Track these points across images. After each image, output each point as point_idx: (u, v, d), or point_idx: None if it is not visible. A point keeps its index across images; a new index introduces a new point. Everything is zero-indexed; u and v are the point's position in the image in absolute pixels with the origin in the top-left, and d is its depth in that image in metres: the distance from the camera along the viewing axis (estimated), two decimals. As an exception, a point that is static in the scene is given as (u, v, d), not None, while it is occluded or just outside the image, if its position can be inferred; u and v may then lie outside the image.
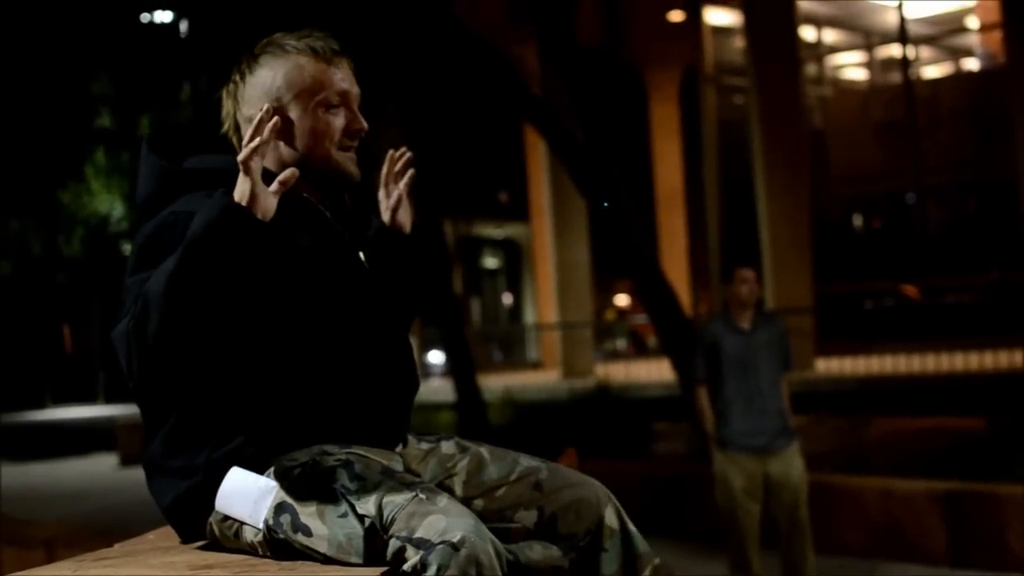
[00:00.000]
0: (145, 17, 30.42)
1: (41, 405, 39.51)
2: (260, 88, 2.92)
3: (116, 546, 2.98)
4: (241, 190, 2.60)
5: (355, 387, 2.85)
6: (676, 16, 25.22)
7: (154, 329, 2.53)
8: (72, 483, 19.36)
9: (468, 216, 35.96)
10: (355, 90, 2.99)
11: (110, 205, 30.97)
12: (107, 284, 36.95)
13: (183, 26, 28.94)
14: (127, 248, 30.80)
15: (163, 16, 30.00)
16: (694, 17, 23.65)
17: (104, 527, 12.35)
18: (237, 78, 2.98)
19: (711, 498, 8.04)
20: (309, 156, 2.92)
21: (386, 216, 3.29)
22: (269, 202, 2.63)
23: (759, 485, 7.72)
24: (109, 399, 38.95)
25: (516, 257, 39.91)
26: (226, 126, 3.02)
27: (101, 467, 21.72)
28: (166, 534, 3.06)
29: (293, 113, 2.91)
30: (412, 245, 3.30)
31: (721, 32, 24.23)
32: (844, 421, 12.63)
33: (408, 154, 3.30)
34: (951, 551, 9.62)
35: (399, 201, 3.29)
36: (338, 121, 2.94)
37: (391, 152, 3.31)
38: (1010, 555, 9.28)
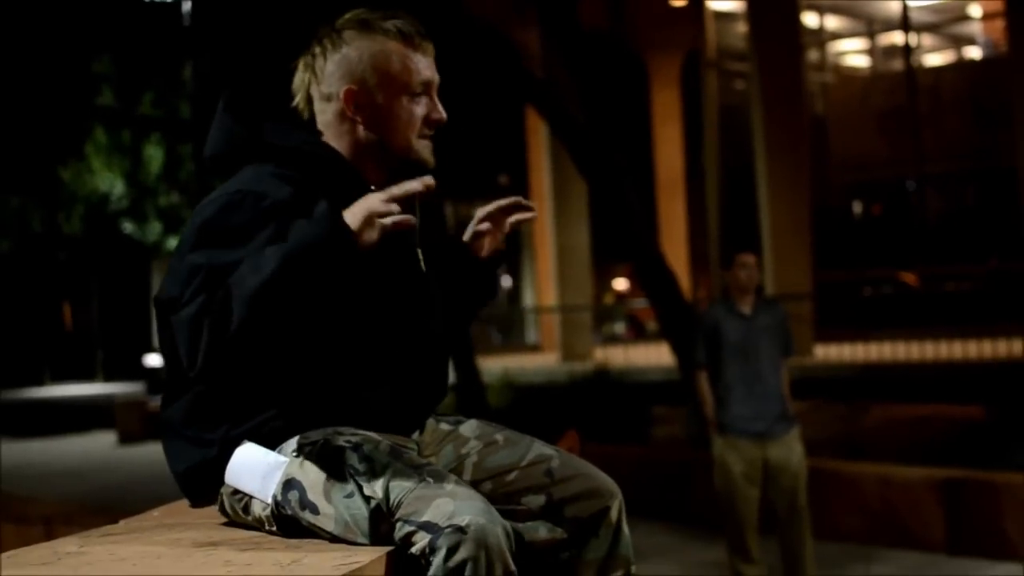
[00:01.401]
0: (147, -4, 30.40)
1: (40, 382, 39.61)
2: (343, 66, 2.88)
3: (121, 523, 2.99)
4: (357, 225, 2.56)
5: (383, 382, 2.84)
6: (678, 1, 25.17)
7: (235, 329, 2.52)
8: (70, 461, 19.39)
9: (468, 198, 35.93)
10: (437, 78, 2.97)
11: (110, 183, 30.95)
12: (107, 262, 36.97)
13: (185, 5, 28.89)
14: (127, 226, 30.83)
15: (165, -5, 29.97)
16: (696, 2, 23.60)
17: (103, 504, 12.37)
18: (318, 51, 2.92)
19: (710, 483, 8.05)
20: (388, 142, 2.89)
21: (468, 235, 3.22)
22: (374, 237, 2.59)
23: (758, 470, 7.73)
24: (108, 377, 39.02)
25: (516, 240, 39.91)
26: (298, 98, 2.97)
27: (99, 445, 21.75)
28: (171, 511, 3.07)
29: (377, 98, 2.88)
30: (484, 271, 3.25)
31: (723, 17, 24.19)
32: (843, 408, 12.66)
33: (533, 214, 3.22)
34: (949, 538, 9.65)
35: (494, 235, 3.22)
36: (420, 109, 2.91)
37: (521, 199, 3.19)
38: (1007, 542, 9.31)
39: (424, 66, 2.93)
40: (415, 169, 2.92)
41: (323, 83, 2.91)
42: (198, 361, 2.56)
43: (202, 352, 2.54)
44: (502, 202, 3.19)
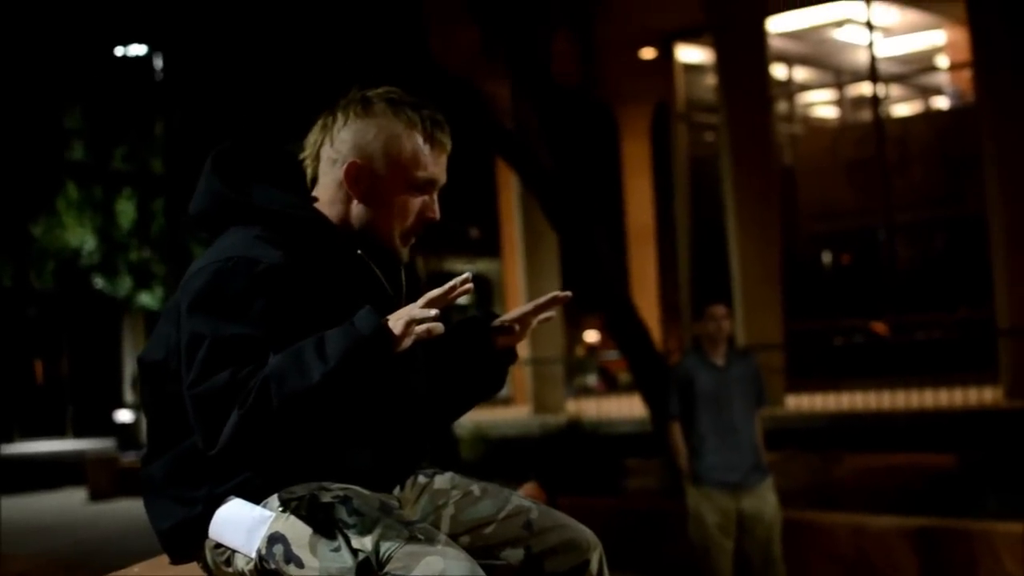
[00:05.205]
0: (119, 51, 30.34)
1: (10, 439, 39.31)
2: (357, 138, 2.88)
3: (103, 579, 2.99)
4: (400, 330, 2.56)
5: (365, 441, 2.84)
6: (648, 53, 25.28)
7: (270, 425, 2.53)
8: (42, 517, 19.22)
9: (439, 251, 35.98)
10: (444, 179, 2.97)
11: (81, 239, 30.82)
12: (77, 318, 36.79)
13: (157, 60, 28.91)
14: (98, 282, 30.68)
15: (137, 50, 29.93)
16: (666, 55, 23.75)
17: (76, 562, 12.30)
18: (340, 114, 2.92)
19: (684, 534, 8.05)
20: (373, 224, 2.90)
21: (497, 322, 3.16)
22: (408, 343, 2.60)
23: (733, 521, 7.74)
24: (78, 433, 38.79)
25: (487, 293, 39.91)
26: (308, 152, 2.97)
27: (70, 501, 21.58)
28: (152, 566, 3.06)
29: (377, 180, 2.88)
30: (496, 364, 3.23)
31: (693, 69, 24.33)
32: (815, 458, 12.66)
33: (568, 296, 3.10)
34: (922, 587, 9.65)
35: (517, 333, 3.17)
36: (415, 205, 2.92)
37: (558, 294, 3.10)
38: (981, 591, 9.31)
39: (433, 164, 2.93)
40: (389, 257, 2.95)
41: (334, 146, 2.91)
42: (219, 442, 2.56)
43: (226, 436, 2.55)
44: (540, 301, 3.12)
